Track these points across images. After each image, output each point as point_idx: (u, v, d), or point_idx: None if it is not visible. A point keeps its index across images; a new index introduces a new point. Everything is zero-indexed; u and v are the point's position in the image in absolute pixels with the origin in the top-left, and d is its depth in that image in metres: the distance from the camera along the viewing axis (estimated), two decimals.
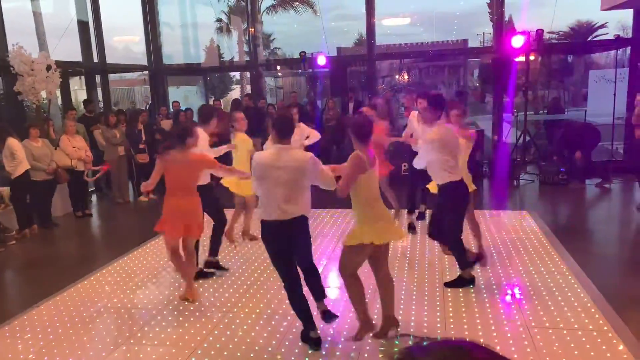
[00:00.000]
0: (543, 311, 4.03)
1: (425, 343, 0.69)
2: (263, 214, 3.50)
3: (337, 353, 3.57)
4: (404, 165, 7.94)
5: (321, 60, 10.11)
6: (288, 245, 3.51)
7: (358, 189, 3.46)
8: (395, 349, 0.76)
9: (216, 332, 3.94)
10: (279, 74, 17.93)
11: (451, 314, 4.07)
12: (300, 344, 3.70)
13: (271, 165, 3.42)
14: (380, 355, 3.51)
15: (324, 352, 3.60)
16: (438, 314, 4.09)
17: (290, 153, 3.46)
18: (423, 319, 4.02)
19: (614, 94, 8.91)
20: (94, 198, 9.26)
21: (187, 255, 4.55)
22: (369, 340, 3.68)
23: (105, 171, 8.03)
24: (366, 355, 3.52)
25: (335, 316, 3.68)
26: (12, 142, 6.64)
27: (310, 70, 10.55)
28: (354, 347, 3.61)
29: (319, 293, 3.65)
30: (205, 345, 3.75)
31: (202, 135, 4.81)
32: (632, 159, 8.35)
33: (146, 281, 5.10)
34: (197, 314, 4.30)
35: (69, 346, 3.86)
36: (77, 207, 7.93)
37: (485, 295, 4.39)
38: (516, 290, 4.49)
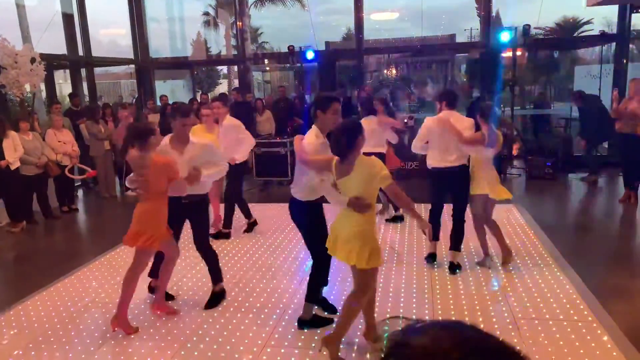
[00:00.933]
0: (529, 302, 4.09)
1: (418, 325, 0.70)
2: None
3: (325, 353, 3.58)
4: None
5: (310, 55, 10.09)
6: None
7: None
8: (385, 337, 0.77)
9: (205, 326, 3.93)
10: (267, 68, 17.86)
11: (439, 305, 4.11)
12: (289, 336, 3.71)
13: None
14: (370, 352, 3.53)
15: (313, 345, 3.62)
16: (426, 304, 4.13)
17: None
18: (412, 309, 4.05)
19: (599, 89, 9.02)
20: (80, 193, 9.17)
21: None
22: (356, 340, 3.71)
23: (91, 176, 7.94)
24: (354, 354, 3.54)
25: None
26: (14, 134, 6.73)
27: (298, 64, 10.52)
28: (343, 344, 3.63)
29: None
30: (194, 338, 3.74)
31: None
32: (616, 153, 8.48)
33: None
34: (187, 307, 4.28)
35: (57, 342, 3.83)
36: (63, 202, 7.84)
37: (472, 287, 4.44)
38: (503, 282, 4.55)
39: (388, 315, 3.77)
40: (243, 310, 4.20)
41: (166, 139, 4.13)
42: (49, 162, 7.19)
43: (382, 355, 0.69)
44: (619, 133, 7.03)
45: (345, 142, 3.11)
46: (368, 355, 3.41)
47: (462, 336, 0.66)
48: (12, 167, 6.66)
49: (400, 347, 0.67)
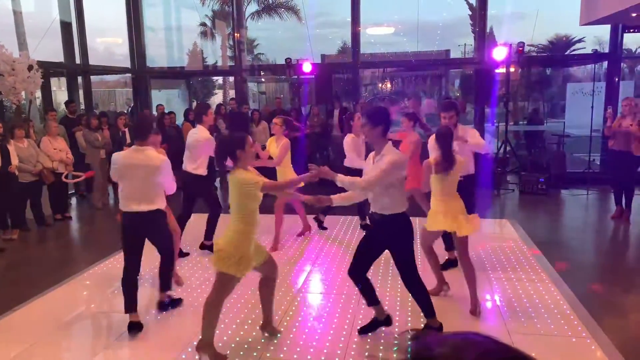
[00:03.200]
0: (523, 318, 4.11)
1: (440, 337, 0.72)
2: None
3: (325, 351, 3.58)
4: None
5: (307, 67, 10.17)
6: None
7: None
8: (409, 342, 0.79)
9: (198, 337, 3.90)
10: (262, 80, 17.93)
11: None
12: (288, 342, 3.71)
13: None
14: (395, 349, 3.55)
15: (311, 350, 3.62)
16: (422, 319, 4.13)
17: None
18: (407, 325, 4.06)
19: (592, 107, 9.15)
20: (73, 201, 9.12)
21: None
22: (355, 340, 3.72)
23: (88, 178, 7.91)
24: (353, 352, 3.54)
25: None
26: (12, 142, 6.86)
27: (295, 76, 10.58)
28: (340, 342, 3.62)
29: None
30: (189, 350, 3.72)
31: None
32: (606, 170, 8.57)
33: None
34: (181, 318, 4.26)
35: (49, 351, 3.79)
36: (56, 210, 7.79)
37: (464, 302, 4.45)
38: (496, 297, 4.56)
39: (409, 326, 3.79)
40: (242, 316, 4.19)
41: None
42: (43, 170, 7.17)
43: None
44: (611, 150, 7.12)
45: None
46: None
47: (483, 347, 0.69)
48: (17, 173, 6.72)
49: (423, 357, 0.69)
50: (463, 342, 0.70)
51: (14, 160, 6.69)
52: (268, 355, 3.64)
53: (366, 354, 3.65)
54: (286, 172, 5.78)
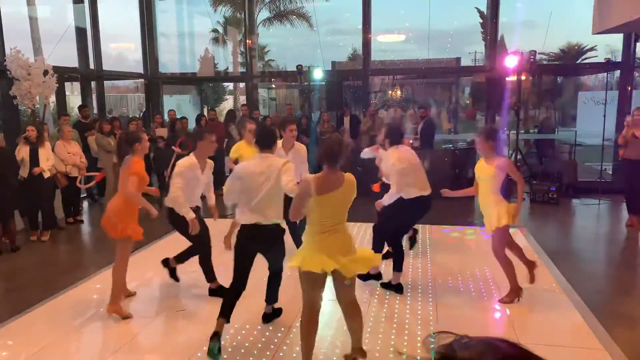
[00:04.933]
0: (534, 328, 4.08)
1: (464, 340, 0.74)
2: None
3: (334, 359, 3.58)
4: None
5: (318, 74, 10.21)
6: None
7: (309, 212, 3.29)
8: (433, 345, 0.81)
9: (208, 342, 3.92)
10: (273, 86, 18.03)
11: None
12: (294, 355, 3.71)
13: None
14: (419, 351, 3.55)
15: (321, 357, 3.62)
16: (431, 328, 4.12)
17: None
18: (416, 334, 4.04)
19: (604, 116, 9.09)
20: (85, 204, 9.20)
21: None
22: (366, 340, 3.72)
23: (100, 180, 8.00)
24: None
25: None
26: (49, 145, 7.25)
27: (306, 83, 10.63)
28: (349, 351, 3.62)
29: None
30: (199, 354, 3.74)
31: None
32: (619, 179, 8.51)
33: (137, 289, 5.06)
34: (190, 323, 4.28)
35: (59, 355, 3.82)
36: (68, 213, 7.87)
37: (476, 312, 4.43)
38: (506, 307, 4.54)
39: (432, 330, 3.80)
40: (248, 326, 4.19)
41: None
42: (57, 174, 7.27)
43: None
44: (624, 159, 7.10)
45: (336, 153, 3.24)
46: None
47: (505, 352, 0.71)
48: (45, 176, 6.90)
49: (446, 359, 0.71)
50: (487, 346, 0.72)
51: (42, 164, 6.85)
52: (280, 355, 3.64)
53: (391, 349, 3.72)
54: None
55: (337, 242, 3.24)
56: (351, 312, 3.45)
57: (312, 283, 3.29)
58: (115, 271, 4.50)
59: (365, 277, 4.96)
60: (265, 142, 3.86)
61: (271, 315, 4.27)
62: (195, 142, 4.42)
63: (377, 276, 5.09)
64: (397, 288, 4.85)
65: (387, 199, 4.69)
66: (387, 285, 4.92)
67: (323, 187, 3.19)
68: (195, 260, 5.07)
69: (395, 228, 4.91)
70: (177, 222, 4.51)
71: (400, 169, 4.60)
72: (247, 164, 3.88)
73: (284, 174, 3.67)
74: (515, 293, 4.54)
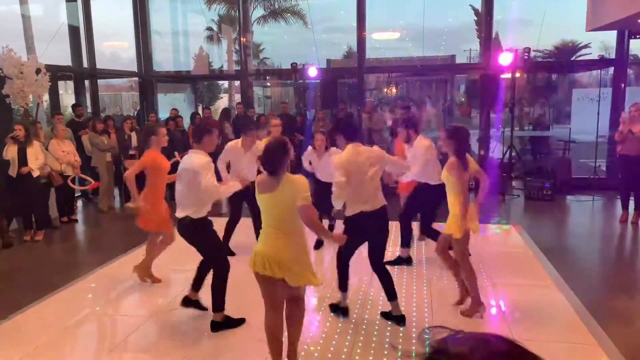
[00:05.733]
0: (528, 324, 4.09)
1: (458, 335, 0.75)
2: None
3: (329, 355, 3.58)
4: None
5: (312, 72, 10.20)
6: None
7: None
8: (427, 341, 0.81)
9: (202, 341, 3.92)
10: (268, 84, 17.99)
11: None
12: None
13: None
14: (413, 347, 3.57)
15: (316, 355, 3.62)
16: (426, 323, 4.13)
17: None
18: (411, 328, 4.05)
19: (598, 113, 9.13)
20: (79, 204, 9.16)
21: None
22: (361, 338, 3.72)
23: (93, 187, 8.01)
24: (358, 350, 3.54)
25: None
26: (38, 143, 7.04)
27: (301, 81, 10.62)
28: (345, 344, 3.62)
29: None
30: (191, 354, 3.73)
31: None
32: (614, 175, 8.57)
33: (131, 289, 5.04)
34: (183, 323, 4.27)
35: (54, 354, 3.81)
36: (62, 213, 7.84)
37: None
38: (501, 303, 4.55)
39: (427, 325, 3.83)
40: (241, 327, 4.18)
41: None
42: (52, 172, 7.22)
43: None
44: (621, 155, 7.15)
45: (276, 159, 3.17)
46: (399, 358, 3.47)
47: (497, 348, 0.71)
48: (34, 175, 6.81)
49: (439, 354, 0.72)
50: (478, 341, 0.72)
51: (31, 163, 6.75)
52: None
53: (386, 345, 3.75)
54: None
55: (276, 244, 3.18)
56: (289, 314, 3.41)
57: (260, 282, 3.27)
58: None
59: (395, 262, 5.38)
60: (352, 133, 4.05)
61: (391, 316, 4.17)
62: (202, 137, 4.06)
63: (408, 260, 5.48)
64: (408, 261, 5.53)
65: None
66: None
67: (260, 187, 3.24)
68: (190, 258, 5.05)
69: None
70: (191, 233, 4.08)
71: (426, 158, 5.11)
72: (347, 158, 3.91)
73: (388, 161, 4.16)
74: (476, 306, 4.21)
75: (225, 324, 4.05)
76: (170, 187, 4.78)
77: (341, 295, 4.31)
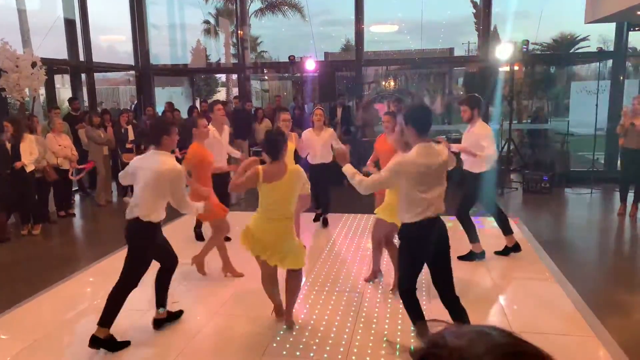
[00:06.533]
0: (526, 316, 4.09)
1: (456, 329, 0.73)
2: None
3: (327, 348, 3.58)
4: None
5: (310, 65, 10.15)
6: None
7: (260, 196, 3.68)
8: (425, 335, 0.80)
9: (202, 334, 3.92)
10: (265, 77, 17.94)
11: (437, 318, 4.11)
12: (288, 346, 3.70)
13: None
14: (412, 341, 3.57)
15: (314, 347, 3.62)
16: (425, 316, 4.12)
17: None
18: (409, 324, 4.05)
19: (596, 105, 9.11)
20: (77, 198, 9.14)
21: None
22: (358, 337, 3.72)
23: (89, 169, 7.95)
24: (357, 343, 3.54)
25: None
26: (32, 137, 6.86)
27: (298, 74, 10.57)
28: (343, 340, 3.62)
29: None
30: (190, 347, 3.72)
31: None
32: (614, 168, 8.56)
33: None
34: (184, 314, 4.26)
35: (52, 348, 3.80)
36: (60, 207, 7.82)
37: (469, 300, 4.43)
38: (500, 296, 4.55)
39: (425, 319, 3.82)
40: (241, 319, 4.18)
41: None
42: (46, 167, 7.17)
43: (420, 355, 0.72)
44: (623, 148, 7.15)
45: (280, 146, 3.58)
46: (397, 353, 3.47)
47: (497, 341, 0.70)
48: (28, 170, 6.73)
49: (437, 348, 0.71)
50: (478, 334, 0.71)
51: (24, 158, 6.67)
52: (274, 345, 3.65)
53: (385, 339, 3.75)
54: None
55: (276, 229, 3.62)
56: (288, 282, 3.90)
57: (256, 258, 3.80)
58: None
59: (504, 252, 5.40)
60: (424, 127, 3.27)
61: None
62: (160, 137, 3.74)
63: (516, 247, 5.42)
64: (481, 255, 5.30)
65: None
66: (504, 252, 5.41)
67: (267, 176, 3.52)
68: (192, 252, 5.04)
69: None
70: (132, 236, 3.74)
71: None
72: (411, 159, 3.19)
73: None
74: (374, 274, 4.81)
75: (105, 342, 3.63)
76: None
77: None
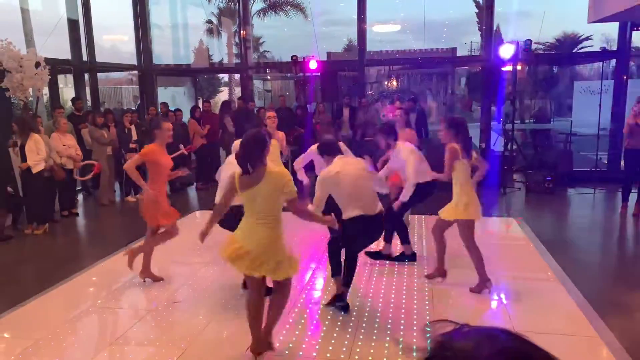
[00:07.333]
0: (529, 316, 4.09)
1: (464, 330, 0.73)
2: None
3: (330, 348, 3.58)
4: None
5: (313, 65, 10.15)
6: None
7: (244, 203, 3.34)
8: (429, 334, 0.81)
9: (203, 334, 3.92)
10: (268, 77, 17.92)
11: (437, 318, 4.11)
12: (290, 344, 3.71)
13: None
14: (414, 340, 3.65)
15: (317, 347, 3.62)
16: (427, 317, 4.13)
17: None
18: (412, 322, 4.05)
19: (600, 105, 9.08)
20: (80, 197, 9.16)
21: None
22: (360, 337, 3.72)
23: (97, 173, 7.98)
24: (360, 343, 3.54)
25: None
26: (38, 137, 6.82)
27: (301, 74, 10.57)
28: (347, 337, 3.62)
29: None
30: (192, 347, 3.73)
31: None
32: (617, 168, 8.53)
33: (131, 283, 5.04)
34: (186, 314, 4.27)
35: (55, 347, 3.80)
36: (63, 206, 7.84)
37: (472, 301, 4.44)
38: (502, 295, 4.55)
39: (428, 319, 3.82)
40: (243, 318, 4.18)
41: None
42: (54, 166, 7.20)
43: (427, 356, 0.71)
44: (627, 149, 7.14)
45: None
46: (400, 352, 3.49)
47: (503, 344, 0.69)
48: (34, 170, 6.73)
49: (444, 349, 0.70)
50: (485, 336, 0.70)
51: (29, 159, 6.68)
52: (277, 345, 3.64)
53: (387, 338, 3.74)
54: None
55: (263, 236, 3.22)
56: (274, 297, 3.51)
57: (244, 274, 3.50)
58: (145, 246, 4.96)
59: (399, 258, 5.40)
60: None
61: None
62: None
63: (412, 256, 5.41)
64: (411, 257, 5.37)
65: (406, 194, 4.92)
66: (399, 258, 5.38)
67: (243, 185, 3.22)
68: (193, 252, 5.05)
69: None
70: None
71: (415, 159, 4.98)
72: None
73: None
74: (483, 283, 4.60)
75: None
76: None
77: (336, 283, 4.30)
